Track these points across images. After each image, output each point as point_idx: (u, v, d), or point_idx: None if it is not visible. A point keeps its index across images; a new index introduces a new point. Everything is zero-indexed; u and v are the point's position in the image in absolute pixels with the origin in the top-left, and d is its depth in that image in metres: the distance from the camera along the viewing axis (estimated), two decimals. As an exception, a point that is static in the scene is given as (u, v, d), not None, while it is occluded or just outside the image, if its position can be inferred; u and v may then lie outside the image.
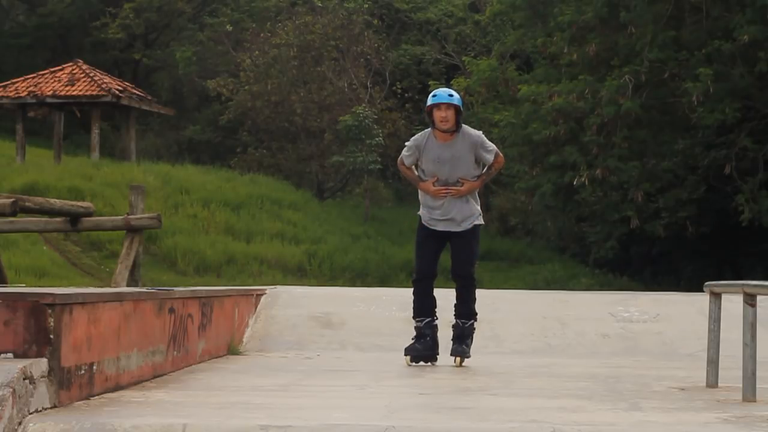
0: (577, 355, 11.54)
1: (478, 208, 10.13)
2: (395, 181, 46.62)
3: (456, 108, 9.80)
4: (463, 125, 9.98)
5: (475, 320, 10.17)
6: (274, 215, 37.56)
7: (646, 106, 31.89)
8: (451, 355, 10.09)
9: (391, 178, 46.28)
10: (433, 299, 10.15)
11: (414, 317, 10.18)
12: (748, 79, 31.15)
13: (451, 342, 10.11)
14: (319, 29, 44.73)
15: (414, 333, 10.18)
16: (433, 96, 9.89)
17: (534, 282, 32.97)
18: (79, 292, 7.03)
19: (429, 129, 10.01)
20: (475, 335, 10.27)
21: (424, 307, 10.12)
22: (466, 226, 9.98)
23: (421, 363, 10.09)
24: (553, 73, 34.98)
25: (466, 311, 10.09)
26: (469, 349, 10.12)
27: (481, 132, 10.09)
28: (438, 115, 9.80)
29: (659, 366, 10.44)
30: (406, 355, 10.10)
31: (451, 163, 9.84)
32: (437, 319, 10.18)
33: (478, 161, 9.95)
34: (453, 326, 10.13)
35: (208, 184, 38.70)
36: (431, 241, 10.07)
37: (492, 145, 10.00)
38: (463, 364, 10.04)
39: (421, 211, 10.16)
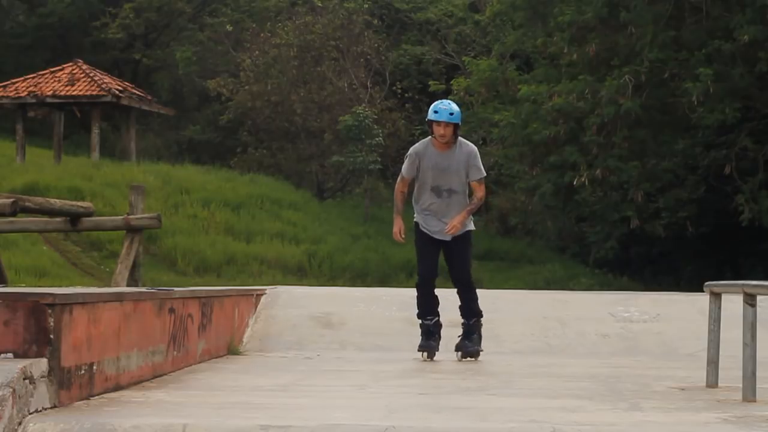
0: (577, 355, 11.54)
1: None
2: (395, 181, 46.61)
3: (455, 125, 10.35)
4: (459, 137, 10.53)
5: (480, 317, 10.70)
6: (274, 215, 37.56)
7: (646, 106, 31.86)
8: (456, 350, 10.69)
9: (391, 178, 46.25)
10: (437, 298, 10.75)
11: (421, 317, 10.73)
12: (748, 79, 31.13)
13: (461, 339, 10.71)
14: (319, 29, 44.73)
15: (421, 331, 10.74)
16: (435, 112, 10.38)
17: (534, 282, 32.96)
18: (79, 292, 7.03)
19: (429, 138, 10.59)
20: (483, 331, 10.80)
21: (431, 307, 10.71)
22: (460, 232, 10.54)
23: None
24: (553, 73, 34.96)
25: (468, 311, 10.68)
26: (477, 344, 10.66)
27: (475, 147, 10.63)
28: (437, 129, 10.38)
29: (659, 366, 10.44)
30: (422, 351, 10.63)
31: (448, 171, 10.47)
32: (440, 317, 10.78)
33: (466, 173, 10.49)
34: (462, 324, 10.73)
35: (208, 184, 38.70)
36: (430, 245, 10.64)
37: (482, 167, 10.55)
38: (471, 359, 10.61)
39: (417, 217, 10.75)
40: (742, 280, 8.41)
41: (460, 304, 10.70)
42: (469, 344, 10.61)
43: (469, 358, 10.59)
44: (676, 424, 6.46)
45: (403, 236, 10.65)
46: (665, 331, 12.22)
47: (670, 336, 12.11)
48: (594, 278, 35.04)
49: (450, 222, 10.42)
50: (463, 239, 10.57)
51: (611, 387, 8.46)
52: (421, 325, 10.73)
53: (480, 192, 10.54)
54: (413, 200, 10.76)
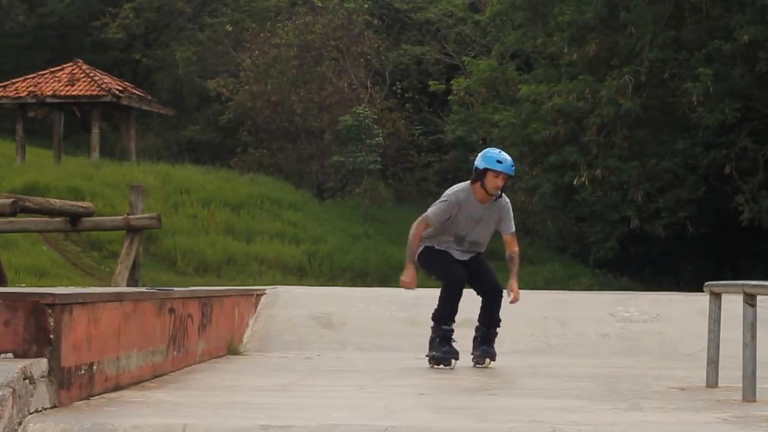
0: (577, 355, 11.54)
1: None
2: (395, 181, 46.61)
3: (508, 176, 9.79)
4: None
5: (499, 326, 10.16)
6: (274, 215, 37.55)
7: (646, 106, 31.86)
8: (482, 356, 10.06)
9: (391, 178, 46.28)
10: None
11: (443, 322, 9.94)
12: (748, 79, 31.14)
13: (479, 344, 10.10)
14: (319, 29, 44.73)
15: (438, 337, 9.94)
16: (498, 162, 9.70)
17: (534, 282, 32.95)
18: (79, 292, 7.03)
19: (468, 184, 9.87)
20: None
21: (454, 312, 9.99)
22: (478, 250, 10.13)
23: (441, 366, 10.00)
24: (553, 73, 34.97)
25: (493, 320, 10.10)
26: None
27: (508, 199, 10.10)
28: (494, 181, 9.71)
29: (659, 366, 10.44)
30: (448, 358, 9.85)
31: (479, 223, 9.90)
32: None
33: (496, 225, 10.02)
34: (476, 329, 10.13)
35: (208, 184, 38.69)
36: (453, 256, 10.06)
37: (512, 219, 10.09)
38: (489, 363, 10.07)
39: (430, 243, 10.08)
40: (742, 280, 8.40)
41: (482, 313, 10.08)
42: (491, 350, 10.03)
43: (488, 361, 10.03)
44: (676, 424, 6.46)
45: (414, 287, 10.06)
46: (665, 331, 12.22)
47: (670, 336, 12.11)
48: (594, 278, 35.05)
49: (512, 293, 9.98)
50: (481, 255, 10.16)
51: (611, 387, 8.46)
52: (436, 329, 9.91)
53: (515, 246, 10.13)
54: (423, 234, 10.02)
